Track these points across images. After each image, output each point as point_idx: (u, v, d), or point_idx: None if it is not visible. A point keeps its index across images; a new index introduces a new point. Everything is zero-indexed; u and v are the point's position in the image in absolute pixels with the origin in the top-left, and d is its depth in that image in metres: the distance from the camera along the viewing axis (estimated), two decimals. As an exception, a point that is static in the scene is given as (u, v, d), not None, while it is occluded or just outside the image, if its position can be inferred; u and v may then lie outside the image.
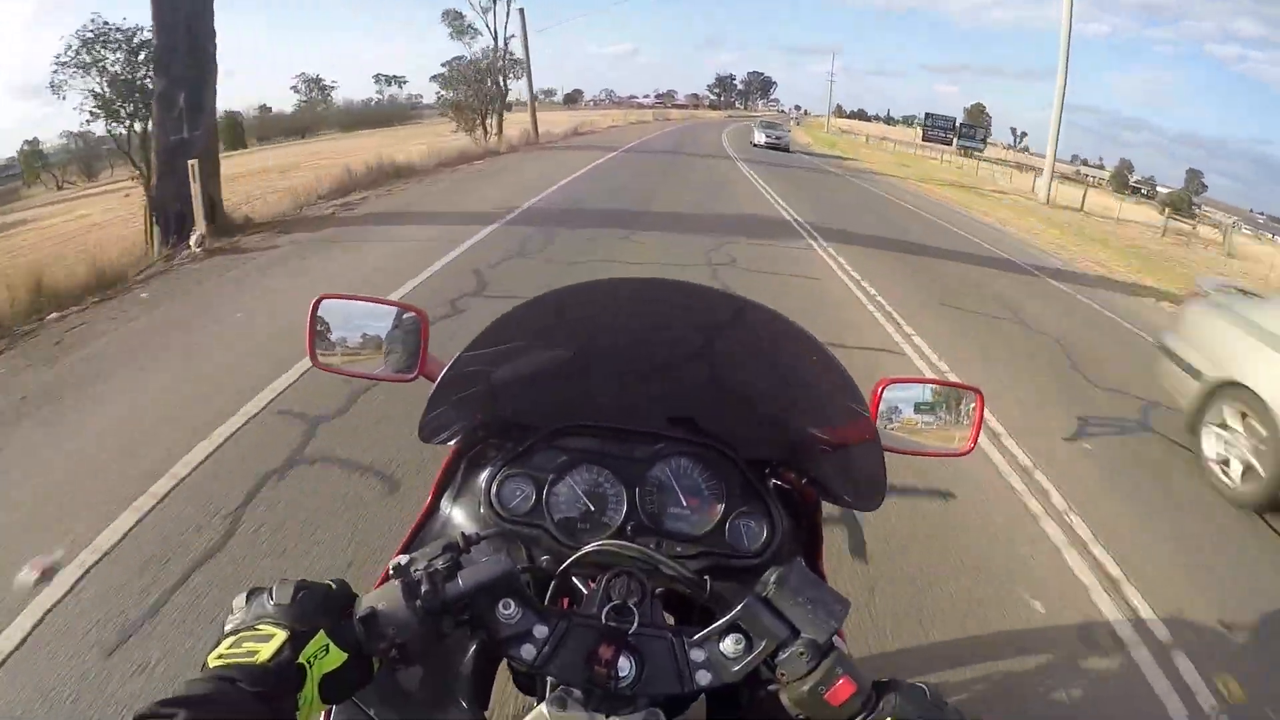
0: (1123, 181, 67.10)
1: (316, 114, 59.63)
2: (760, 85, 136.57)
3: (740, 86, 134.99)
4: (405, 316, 1.07)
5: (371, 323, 1.09)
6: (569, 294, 0.85)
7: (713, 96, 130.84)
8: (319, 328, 1.09)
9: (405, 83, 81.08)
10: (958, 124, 59.95)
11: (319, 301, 1.08)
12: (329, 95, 68.86)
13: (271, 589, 0.67)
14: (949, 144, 55.04)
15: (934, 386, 1.12)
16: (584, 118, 45.79)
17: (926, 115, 62.92)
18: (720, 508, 1.01)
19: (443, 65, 28.25)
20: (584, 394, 1.06)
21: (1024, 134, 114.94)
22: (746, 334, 0.95)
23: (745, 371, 0.98)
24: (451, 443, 1.05)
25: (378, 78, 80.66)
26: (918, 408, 1.09)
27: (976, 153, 51.62)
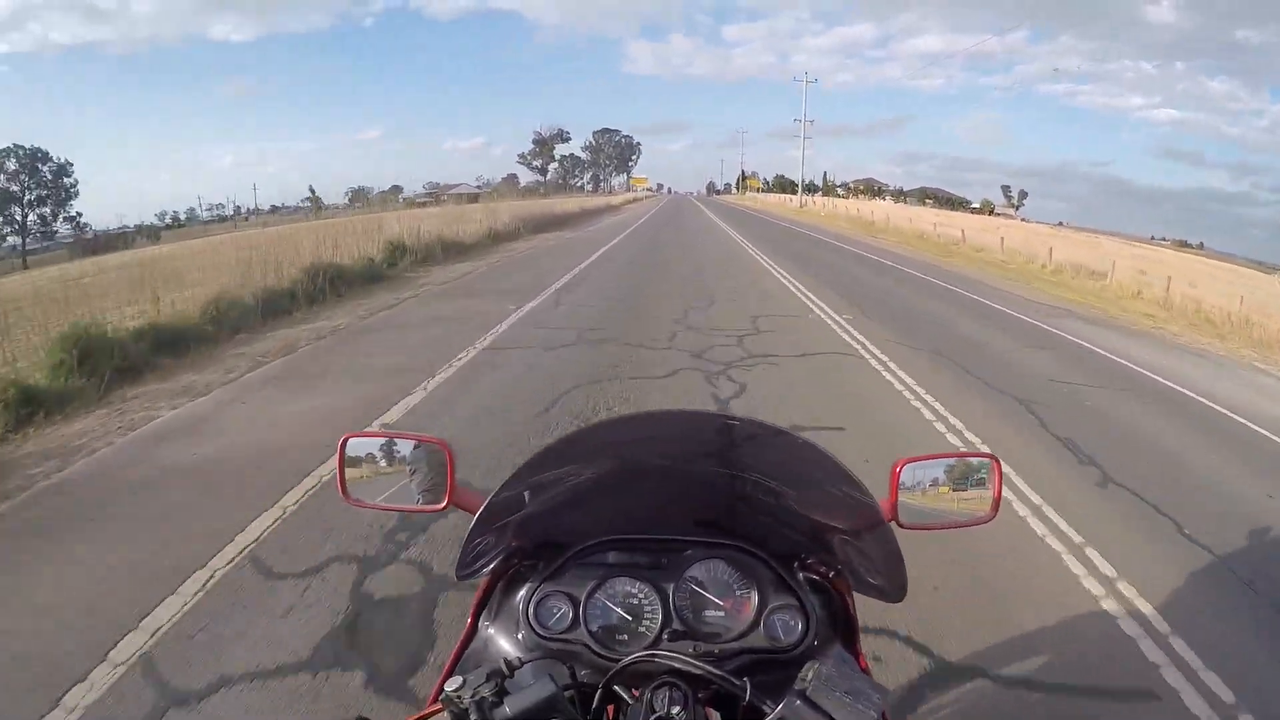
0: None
1: None
2: (617, 151, 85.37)
3: (584, 155, 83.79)
4: (430, 449, 1.11)
5: (397, 457, 1.13)
6: (598, 429, 0.93)
7: (535, 175, 77.64)
8: (347, 465, 1.13)
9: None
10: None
11: (346, 440, 1.13)
12: None
13: None
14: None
15: (950, 460, 1.14)
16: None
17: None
18: (754, 605, 1.02)
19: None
20: (610, 509, 1.09)
21: (1022, 193, 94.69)
22: (754, 447, 1.01)
23: (759, 477, 1.02)
24: (486, 572, 1.07)
25: None
26: (936, 482, 1.11)
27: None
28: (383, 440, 1.14)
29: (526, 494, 0.99)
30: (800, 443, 0.92)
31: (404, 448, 1.13)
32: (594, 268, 13.30)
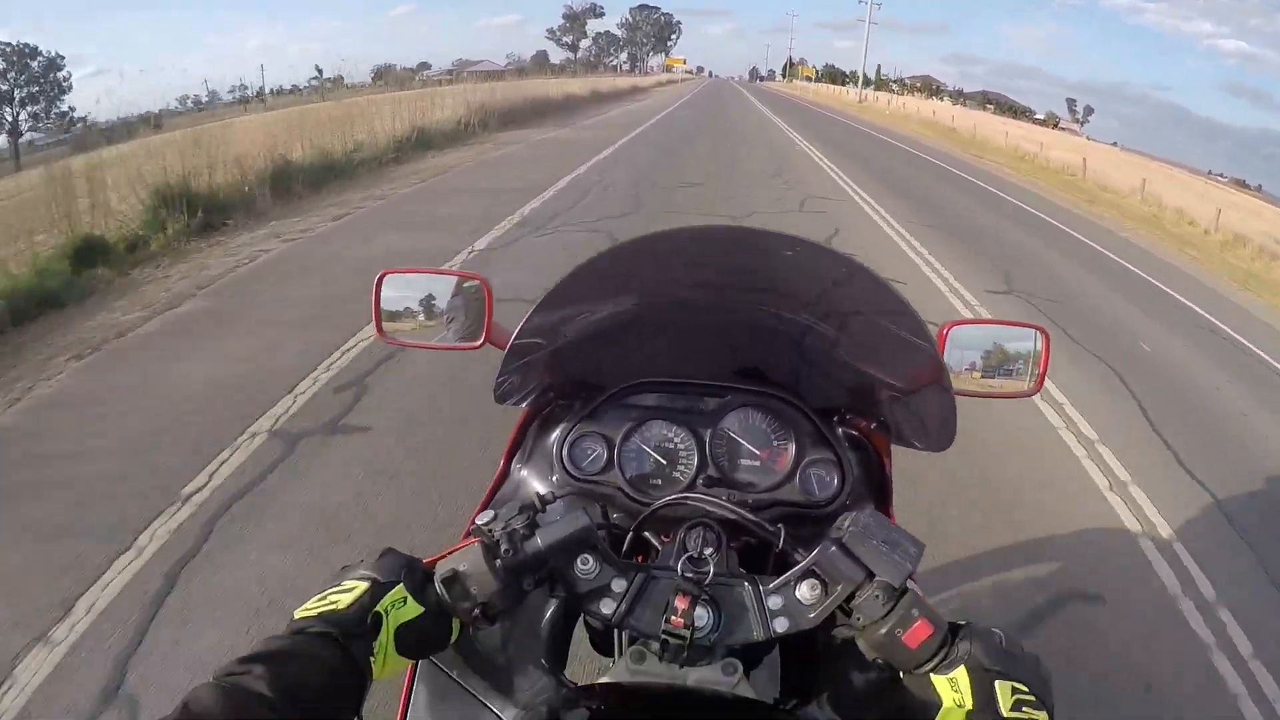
0: None
1: None
2: (655, 29, 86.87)
3: (621, 34, 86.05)
4: (468, 285, 1.09)
5: (435, 293, 1.11)
6: (628, 248, 0.83)
7: (566, 52, 78.36)
8: (383, 301, 1.12)
9: None
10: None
11: (383, 276, 1.11)
12: None
13: (362, 560, 0.70)
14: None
15: (998, 326, 1.10)
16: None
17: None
18: (790, 457, 1.01)
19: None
20: (649, 351, 1.07)
21: (1088, 108, 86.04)
22: (807, 277, 0.90)
23: (808, 317, 0.96)
24: (523, 405, 1.07)
25: None
26: (983, 349, 1.08)
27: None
28: (421, 277, 1.13)
29: (556, 328, 0.94)
30: (867, 274, 0.79)
31: (442, 284, 1.11)
32: (520, 249, 6.02)
